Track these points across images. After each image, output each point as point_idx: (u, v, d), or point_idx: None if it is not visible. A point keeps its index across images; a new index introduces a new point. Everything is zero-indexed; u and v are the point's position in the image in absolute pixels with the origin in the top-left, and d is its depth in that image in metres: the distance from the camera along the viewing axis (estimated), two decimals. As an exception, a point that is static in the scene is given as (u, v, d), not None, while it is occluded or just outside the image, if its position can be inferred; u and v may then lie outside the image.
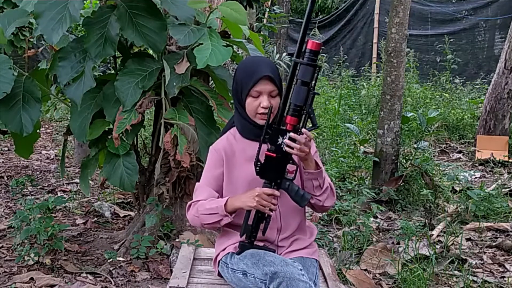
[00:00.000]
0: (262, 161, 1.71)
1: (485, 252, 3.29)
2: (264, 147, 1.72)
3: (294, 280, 1.60)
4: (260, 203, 1.70)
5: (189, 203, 1.87)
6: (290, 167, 1.74)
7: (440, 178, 4.58)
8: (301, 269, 1.66)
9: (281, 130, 1.68)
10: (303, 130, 1.66)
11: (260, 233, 1.80)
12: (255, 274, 1.70)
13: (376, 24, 10.86)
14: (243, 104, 1.79)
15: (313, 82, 1.65)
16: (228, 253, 1.87)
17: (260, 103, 1.74)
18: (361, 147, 5.17)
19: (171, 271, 2.69)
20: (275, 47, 10.86)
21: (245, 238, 1.80)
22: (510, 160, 5.69)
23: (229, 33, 2.99)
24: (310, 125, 1.69)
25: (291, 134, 1.65)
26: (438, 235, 3.49)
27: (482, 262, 3.14)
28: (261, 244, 1.83)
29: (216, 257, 1.94)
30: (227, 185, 1.85)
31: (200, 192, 1.85)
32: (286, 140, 1.66)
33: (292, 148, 1.65)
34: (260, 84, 1.73)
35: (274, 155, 1.69)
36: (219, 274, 1.96)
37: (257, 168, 1.71)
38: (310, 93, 1.64)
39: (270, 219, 1.78)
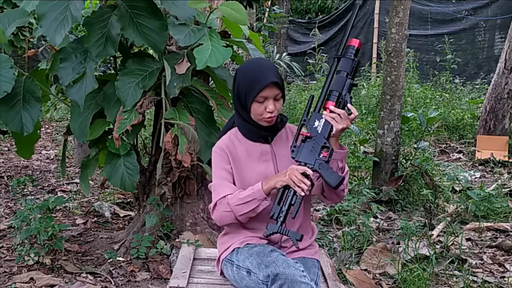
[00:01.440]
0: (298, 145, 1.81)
1: (485, 252, 3.29)
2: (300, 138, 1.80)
3: (295, 282, 1.60)
4: (291, 178, 1.72)
5: (214, 202, 1.82)
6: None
7: (440, 178, 4.58)
8: (303, 271, 1.66)
9: (318, 114, 1.81)
10: (349, 105, 1.77)
11: (265, 235, 1.80)
12: (257, 275, 1.71)
13: (376, 24, 10.86)
14: (248, 109, 1.81)
15: (352, 73, 1.81)
16: (234, 249, 1.87)
17: (265, 107, 1.79)
18: (361, 147, 5.17)
19: (171, 271, 2.69)
20: (275, 47, 10.88)
21: (274, 218, 1.78)
22: (510, 160, 5.69)
23: (229, 33, 2.99)
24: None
25: (332, 107, 1.77)
26: (438, 235, 3.50)
27: (482, 262, 3.14)
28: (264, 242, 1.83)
29: (219, 257, 1.95)
30: (239, 186, 1.84)
31: (221, 189, 1.82)
32: (326, 112, 1.77)
33: (333, 119, 1.76)
34: (266, 90, 1.77)
35: (310, 134, 1.79)
36: (222, 273, 1.96)
37: (293, 149, 1.80)
38: (348, 80, 1.80)
39: (300, 202, 1.76)
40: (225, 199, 1.79)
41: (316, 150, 1.78)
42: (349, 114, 1.77)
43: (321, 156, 1.77)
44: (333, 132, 1.77)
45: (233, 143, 1.88)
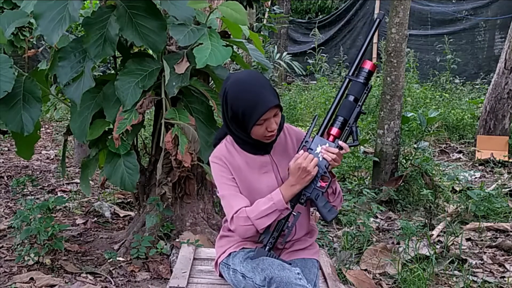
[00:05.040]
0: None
1: (485, 252, 3.29)
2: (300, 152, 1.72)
3: (290, 284, 1.59)
4: (312, 172, 1.69)
5: (230, 215, 1.76)
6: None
7: (440, 178, 4.58)
8: (298, 273, 1.65)
9: (321, 139, 1.74)
10: (340, 142, 1.71)
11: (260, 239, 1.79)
12: (253, 279, 1.70)
13: (376, 24, 10.84)
14: (248, 132, 1.73)
15: (362, 100, 1.73)
16: (230, 254, 1.87)
17: (266, 127, 1.71)
18: (361, 147, 5.17)
19: (171, 271, 2.69)
20: (275, 47, 10.88)
21: (263, 242, 1.76)
22: (510, 160, 5.68)
23: (229, 33, 2.99)
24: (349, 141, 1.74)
25: (328, 147, 1.71)
26: (438, 235, 3.49)
27: (482, 262, 3.14)
28: (261, 245, 1.82)
29: (216, 260, 1.94)
30: (247, 197, 1.79)
31: (235, 201, 1.76)
32: (324, 147, 1.71)
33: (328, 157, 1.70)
34: (267, 113, 1.69)
35: None
36: (221, 275, 1.96)
37: (289, 171, 1.72)
38: (356, 108, 1.73)
39: (292, 228, 1.76)
40: (243, 213, 1.72)
41: (315, 177, 1.72)
42: (340, 148, 1.72)
43: (318, 185, 1.73)
44: (328, 168, 1.74)
45: (231, 153, 1.81)
